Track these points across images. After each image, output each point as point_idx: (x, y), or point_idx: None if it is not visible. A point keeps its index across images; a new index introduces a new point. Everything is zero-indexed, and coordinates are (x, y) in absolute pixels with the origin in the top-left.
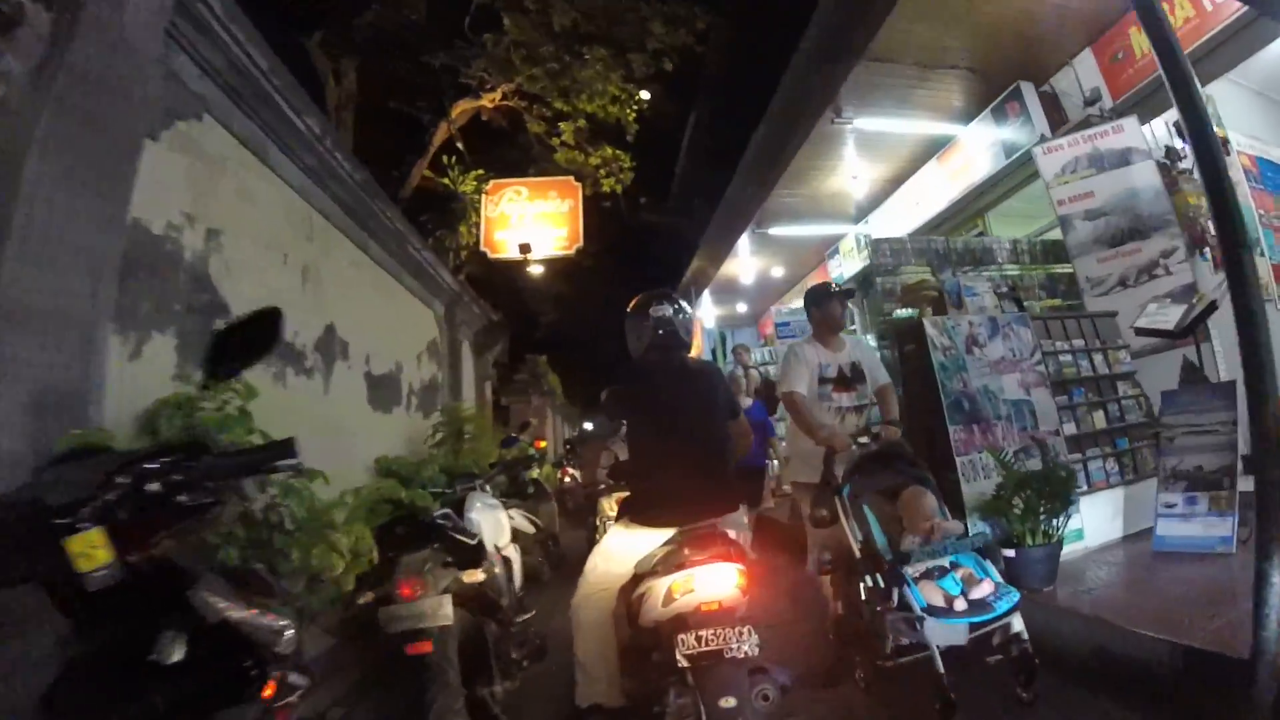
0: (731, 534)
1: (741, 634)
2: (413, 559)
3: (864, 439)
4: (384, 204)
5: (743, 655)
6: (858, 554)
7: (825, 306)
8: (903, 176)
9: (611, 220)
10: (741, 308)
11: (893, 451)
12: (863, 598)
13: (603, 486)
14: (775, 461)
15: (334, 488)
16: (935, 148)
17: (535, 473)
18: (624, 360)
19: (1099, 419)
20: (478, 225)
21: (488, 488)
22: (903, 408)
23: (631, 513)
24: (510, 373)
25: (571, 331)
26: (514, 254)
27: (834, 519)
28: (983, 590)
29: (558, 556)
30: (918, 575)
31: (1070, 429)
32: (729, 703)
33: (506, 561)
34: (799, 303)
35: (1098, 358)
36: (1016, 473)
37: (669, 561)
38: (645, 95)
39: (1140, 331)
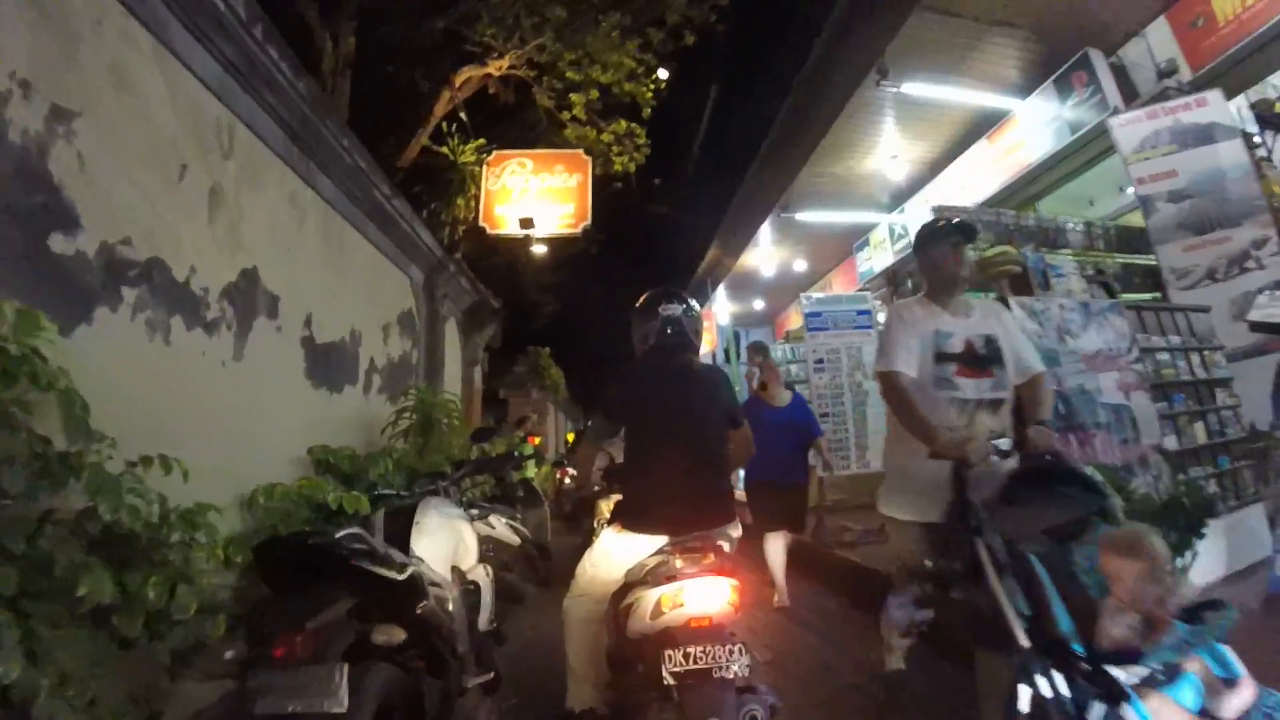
0: (725, 546)
1: (732, 653)
2: (301, 601)
3: (1003, 444)
4: (338, 130)
5: (731, 675)
6: (1021, 638)
7: (934, 250)
8: (946, 158)
9: (622, 208)
10: (758, 305)
11: (1060, 468)
12: (1024, 712)
13: (597, 489)
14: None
15: (230, 484)
16: (985, 125)
17: (531, 471)
18: (628, 358)
19: (1199, 431)
20: (476, 199)
21: (453, 491)
22: None
23: (624, 518)
24: (509, 363)
25: (576, 324)
26: (514, 230)
27: (969, 577)
28: (1241, 699)
29: (547, 571)
30: (1137, 682)
31: (1170, 442)
32: None
33: (470, 591)
34: (836, 288)
35: (1194, 359)
36: (1146, 498)
37: (658, 572)
38: (663, 74)
39: (1256, 326)
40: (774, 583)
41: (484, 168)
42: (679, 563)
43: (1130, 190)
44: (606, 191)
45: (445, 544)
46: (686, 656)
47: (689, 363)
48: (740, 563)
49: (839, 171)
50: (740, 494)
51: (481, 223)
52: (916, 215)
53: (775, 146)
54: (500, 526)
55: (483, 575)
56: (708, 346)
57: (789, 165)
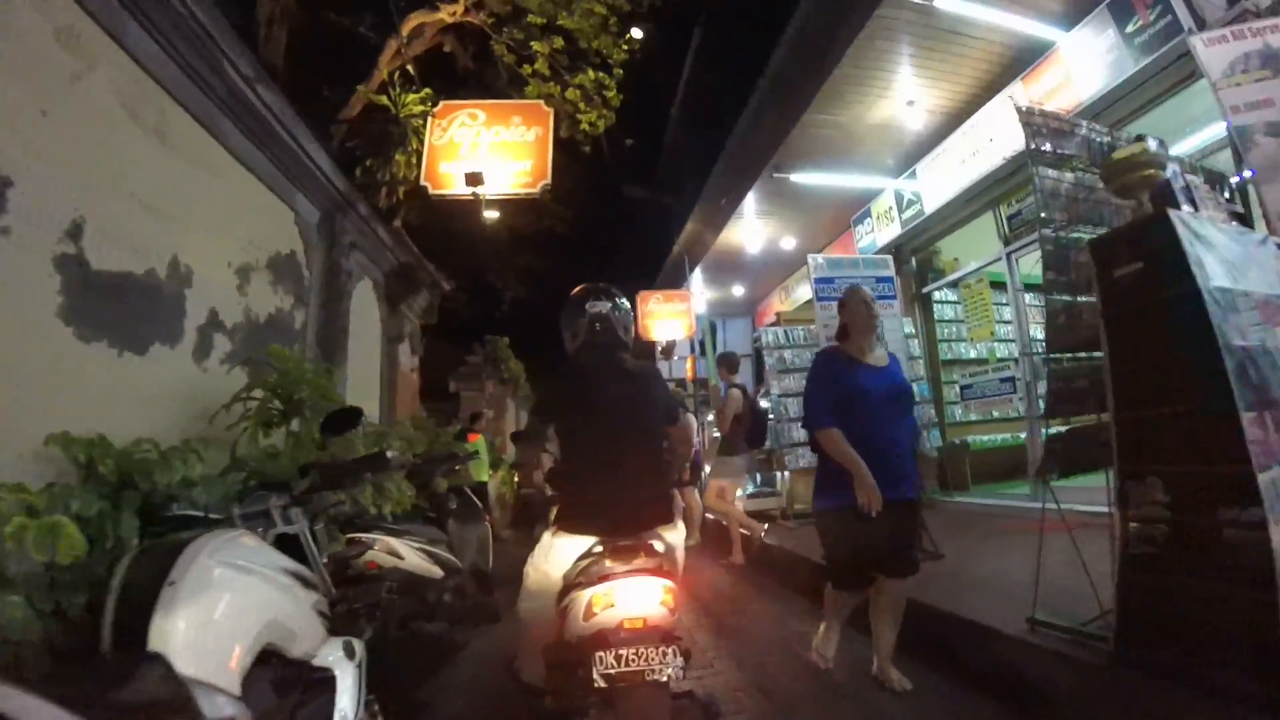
0: (659, 547)
1: (665, 655)
2: None
3: None
4: None
5: (665, 679)
6: None
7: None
8: (970, 105)
9: (591, 178)
10: (738, 291)
11: None
12: None
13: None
14: None
15: None
16: (1019, 65)
17: (485, 475)
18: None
19: None
20: (419, 154)
21: (297, 515)
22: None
23: (560, 520)
24: (462, 352)
25: (542, 312)
26: (460, 190)
27: None
28: None
29: (491, 606)
30: None
31: None
32: None
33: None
34: (875, 229)
35: None
36: None
37: (591, 572)
38: (638, 33)
39: None
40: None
41: (430, 120)
42: (608, 563)
43: (1210, 130)
44: (573, 158)
45: (237, 621)
46: (618, 659)
47: (619, 360)
48: (674, 564)
49: (845, 121)
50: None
51: (423, 182)
52: (930, 180)
53: (775, 83)
54: (411, 556)
55: (344, 660)
56: (684, 333)
57: (789, 109)
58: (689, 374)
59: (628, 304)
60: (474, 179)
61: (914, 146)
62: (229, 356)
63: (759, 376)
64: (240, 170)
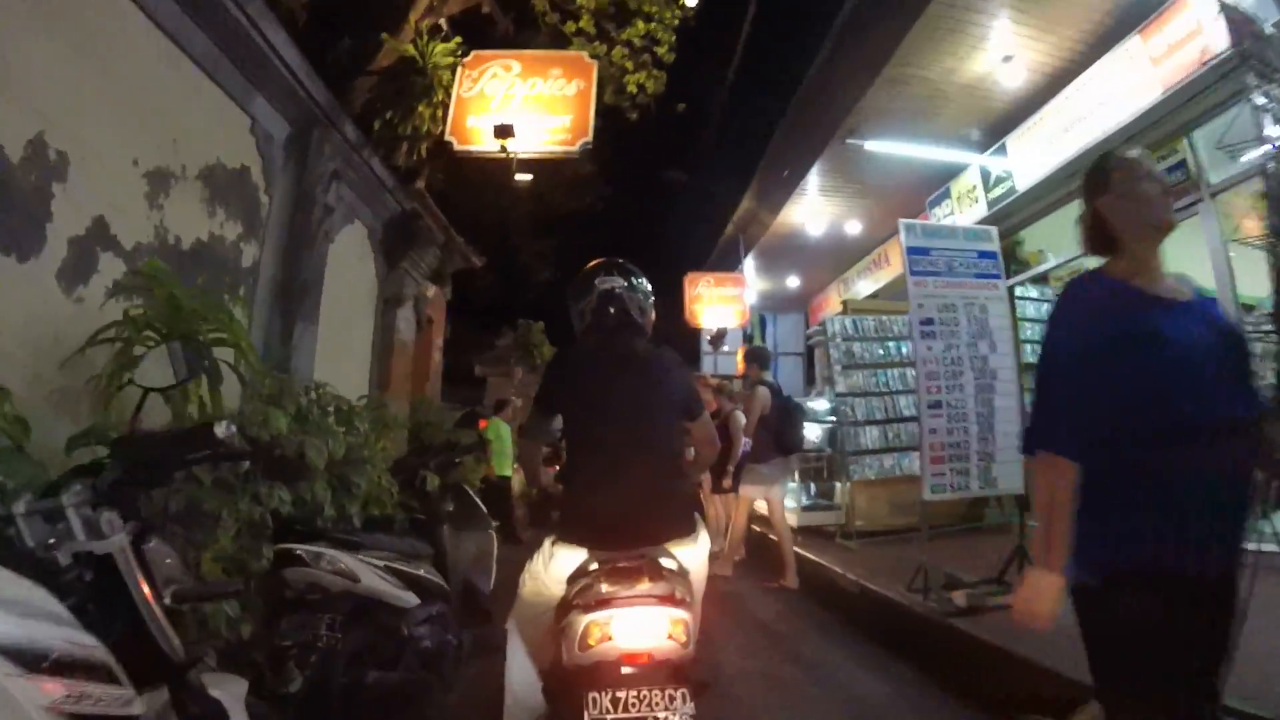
0: (672, 565)
1: (672, 699)
2: None
3: None
4: None
5: None
6: None
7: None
8: (1075, 66)
9: (636, 153)
10: (792, 282)
11: None
12: None
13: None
14: None
15: None
16: (1140, 13)
17: (508, 469)
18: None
19: None
20: (445, 107)
21: (113, 523)
22: None
23: (559, 527)
24: (491, 336)
25: None
26: (489, 146)
27: None
28: None
29: (478, 635)
30: None
31: None
32: None
33: None
34: (894, 259)
35: None
36: None
37: (588, 594)
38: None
39: None
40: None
41: (459, 70)
42: (605, 586)
43: None
44: (618, 131)
45: None
46: (615, 702)
47: (632, 345)
48: (689, 588)
49: (932, 76)
50: None
51: (448, 137)
52: (1024, 154)
53: (852, 28)
54: (370, 577)
55: None
56: (737, 321)
57: (868, 59)
58: (740, 367)
59: (648, 284)
60: (504, 131)
61: (1004, 115)
62: (112, 292)
63: (810, 377)
64: (166, 44)
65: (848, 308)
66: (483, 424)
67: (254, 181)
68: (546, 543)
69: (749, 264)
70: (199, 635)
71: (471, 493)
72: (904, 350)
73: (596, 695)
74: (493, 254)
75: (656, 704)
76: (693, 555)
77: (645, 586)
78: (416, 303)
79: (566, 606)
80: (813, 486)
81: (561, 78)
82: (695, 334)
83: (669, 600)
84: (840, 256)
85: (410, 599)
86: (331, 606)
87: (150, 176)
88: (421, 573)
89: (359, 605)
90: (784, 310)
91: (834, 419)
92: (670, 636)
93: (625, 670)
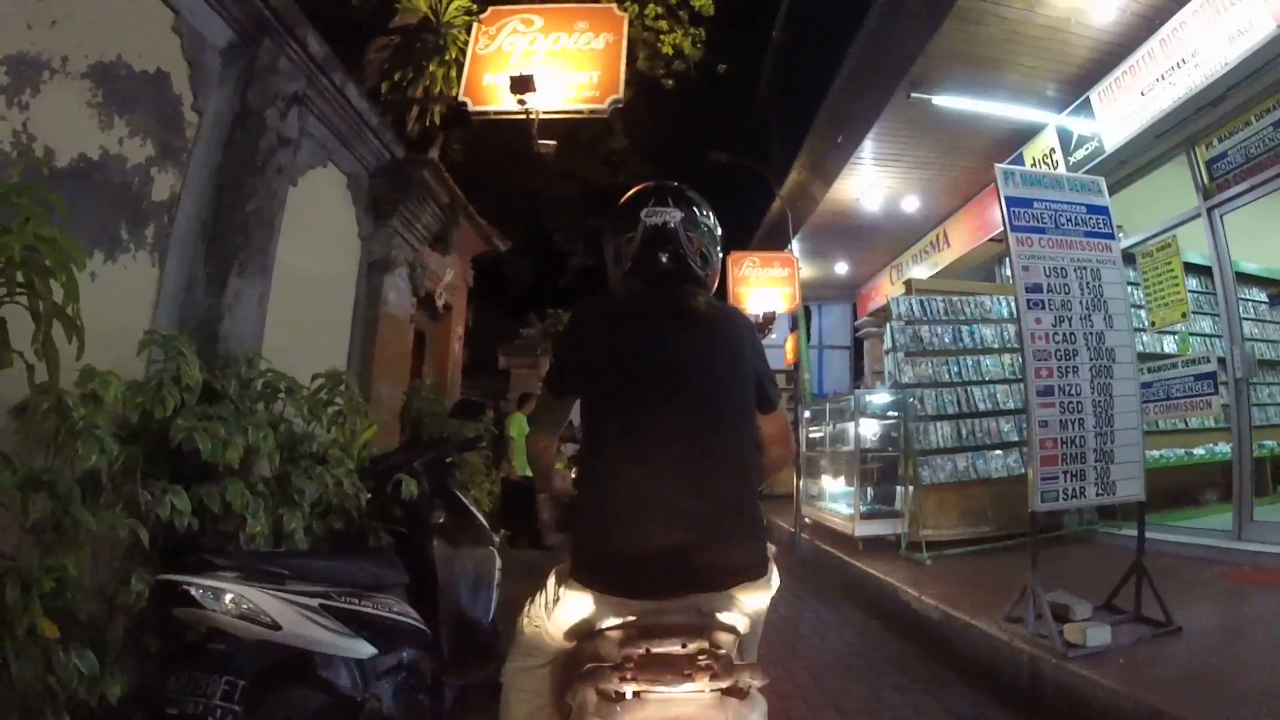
0: (739, 625)
1: None
2: None
3: None
4: None
5: None
6: None
7: None
8: (1172, 4)
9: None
10: (840, 268)
11: None
12: None
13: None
14: None
15: None
16: None
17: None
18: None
19: None
20: (460, 66)
21: None
22: None
23: (571, 563)
24: (515, 324)
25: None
26: (507, 104)
27: None
28: None
29: (472, 697)
30: None
31: None
32: None
33: None
34: (955, 241)
35: None
36: None
37: (605, 673)
38: None
39: None
40: None
41: (475, 27)
42: (639, 657)
43: None
44: (654, 102)
45: None
46: None
47: (689, 301)
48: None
49: (1010, 14)
50: None
51: (462, 97)
52: (1112, 111)
53: None
54: (295, 620)
55: None
56: (786, 306)
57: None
58: (789, 357)
59: (714, 218)
60: (522, 84)
61: (1088, 64)
62: None
63: (858, 371)
64: None
65: (912, 287)
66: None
67: (175, 92)
68: (551, 581)
69: (795, 246)
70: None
71: (466, 500)
72: (977, 335)
73: None
74: (520, 239)
75: None
76: (759, 603)
77: (702, 661)
78: (413, 271)
79: (578, 667)
80: (869, 491)
81: (588, 31)
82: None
83: (734, 692)
84: (895, 238)
85: (363, 648)
86: (239, 662)
87: (10, 63)
88: (384, 611)
89: (281, 661)
90: (830, 300)
91: (896, 414)
92: None
93: None
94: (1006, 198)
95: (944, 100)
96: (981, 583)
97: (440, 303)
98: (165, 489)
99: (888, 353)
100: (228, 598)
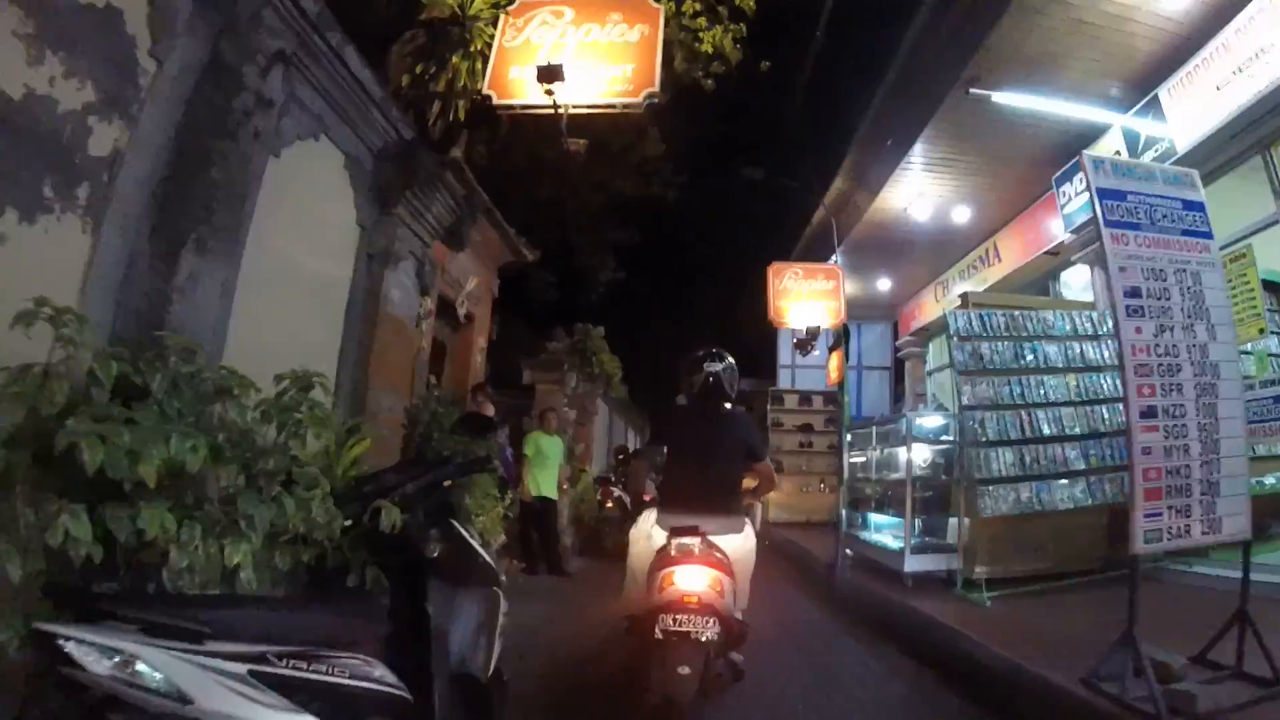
0: (723, 543)
1: (707, 622)
2: None
3: None
4: None
5: (704, 639)
6: None
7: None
8: None
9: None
10: (882, 285)
11: None
12: None
13: (649, 498)
14: None
15: None
16: None
17: (554, 490)
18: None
19: None
20: (485, 59)
21: None
22: None
23: (660, 504)
24: (542, 337)
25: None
26: (534, 98)
27: None
28: None
29: None
30: None
31: None
32: (684, 670)
33: None
34: (1006, 255)
35: None
36: None
37: (662, 557)
38: None
39: None
40: None
41: (502, 20)
42: (674, 552)
43: None
44: (691, 109)
45: None
46: (674, 620)
47: (719, 406)
48: (727, 561)
49: (1077, 2)
50: None
51: (487, 90)
52: (1184, 110)
53: None
54: (214, 696)
55: None
56: (830, 320)
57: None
58: (832, 376)
59: (734, 364)
60: (550, 73)
61: (1156, 59)
62: None
63: (898, 393)
64: None
65: (969, 300)
66: (489, 414)
67: (127, 32)
68: (649, 509)
69: (838, 258)
70: None
71: (465, 533)
72: (1040, 352)
73: (664, 616)
74: (546, 250)
75: (698, 625)
76: (734, 542)
77: (699, 553)
78: (421, 268)
79: (654, 564)
80: (918, 524)
81: (622, 23)
82: (771, 342)
83: (711, 563)
84: (941, 253)
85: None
86: None
87: None
88: (342, 676)
89: None
90: (870, 319)
91: (950, 439)
92: (709, 586)
93: (681, 605)
94: (1098, 189)
95: (1004, 97)
96: (1051, 629)
97: (462, 312)
98: (60, 509)
99: (929, 374)
100: (112, 660)
